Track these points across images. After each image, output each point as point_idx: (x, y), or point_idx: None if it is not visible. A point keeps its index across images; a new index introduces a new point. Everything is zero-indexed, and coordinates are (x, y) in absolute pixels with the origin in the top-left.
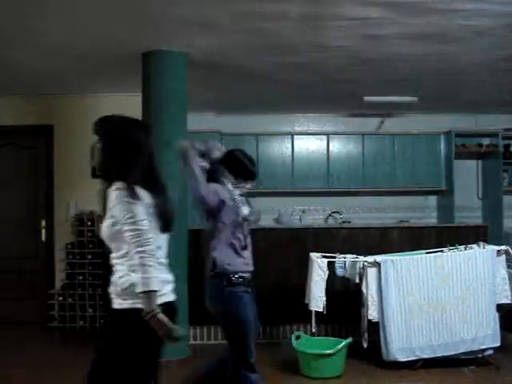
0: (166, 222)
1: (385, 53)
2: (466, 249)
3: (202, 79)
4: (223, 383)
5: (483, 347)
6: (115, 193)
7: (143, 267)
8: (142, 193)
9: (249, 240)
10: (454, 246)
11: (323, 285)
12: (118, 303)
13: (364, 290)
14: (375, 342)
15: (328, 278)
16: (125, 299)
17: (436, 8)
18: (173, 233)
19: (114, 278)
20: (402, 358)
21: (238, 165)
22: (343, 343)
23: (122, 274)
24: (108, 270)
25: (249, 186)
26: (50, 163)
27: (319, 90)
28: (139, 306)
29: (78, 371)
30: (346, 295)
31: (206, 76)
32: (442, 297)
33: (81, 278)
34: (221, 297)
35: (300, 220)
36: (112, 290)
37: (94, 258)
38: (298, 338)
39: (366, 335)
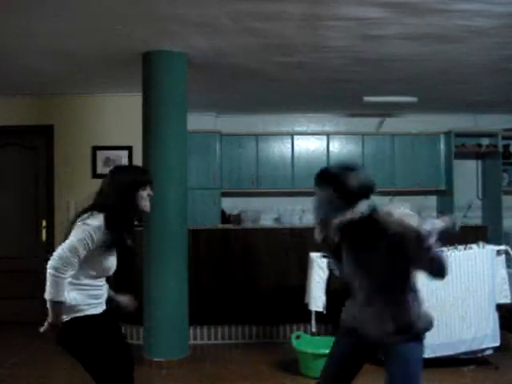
0: None
1: (385, 53)
2: (465, 249)
3: (202, 79)
4: None
5: (483, 347)
6: None
7: None
8: None
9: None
10: (453, 246)
11: (323, 285)
12: None
13: None
14: None
15: (328, 277)
16: None
17: (436, 8)
18: (173, 232)
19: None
20: None
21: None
22: None
23: None
24: None
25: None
26: (49, 163)
27: (319, 90)
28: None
29: (78, 371)
30: (345, 295)
31: (205, 76)
32: (441, 297)
33: None
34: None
35: (300, 220)
36: None
37: None
38: (298, 337)
39: None
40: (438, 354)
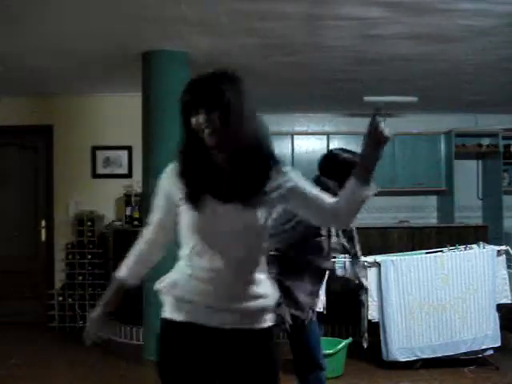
0: None
1: (385, 53)
2: (466, 249)
3: None
4: None
5: (483, 347)
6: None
7: None
8: None
9: None
10: (454, 246)
11: (323, 285)
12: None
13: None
14: (375, 342)
15: (328, 278)
16: None
17: (436, 8)
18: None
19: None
20: (402, 358)
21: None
22: (343, 343)
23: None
24: None
25: None
26: (49, 163)
27: (319, 90)
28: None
29: (78, 371)
30: (345, 295)
31: None
32: (442, 297)
33: (81, 278)
34: None
35: None
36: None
37: (94, 258)
38: None
39: (366, 335)
40: (439, 354)
